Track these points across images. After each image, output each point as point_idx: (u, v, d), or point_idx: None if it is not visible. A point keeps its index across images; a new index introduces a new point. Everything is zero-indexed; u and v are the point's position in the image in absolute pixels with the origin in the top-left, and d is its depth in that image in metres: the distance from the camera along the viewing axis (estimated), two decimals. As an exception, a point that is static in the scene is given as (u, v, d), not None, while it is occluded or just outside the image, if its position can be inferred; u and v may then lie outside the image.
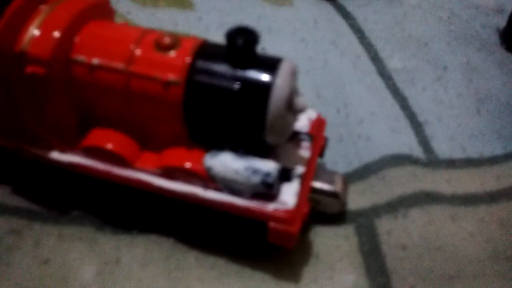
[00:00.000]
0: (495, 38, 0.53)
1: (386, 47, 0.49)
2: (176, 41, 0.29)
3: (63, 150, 0.31)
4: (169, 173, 0.30)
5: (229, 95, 0.27)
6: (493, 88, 0.46)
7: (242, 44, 0.27)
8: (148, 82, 0.28)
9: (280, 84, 0.27)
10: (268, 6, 0.52)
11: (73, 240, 0.32)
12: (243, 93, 0.27)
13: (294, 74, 0.28)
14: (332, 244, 0.33)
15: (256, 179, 0.28)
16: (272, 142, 0.29)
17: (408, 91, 0.45)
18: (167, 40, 0.28)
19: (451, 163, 0.39)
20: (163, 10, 0.50)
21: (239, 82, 0.27)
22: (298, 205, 0.29)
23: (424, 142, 0.40)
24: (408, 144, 0.39)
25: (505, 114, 0.44)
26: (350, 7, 0.54)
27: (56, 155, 0.32)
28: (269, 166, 0.29)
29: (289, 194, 0.29)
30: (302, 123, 0.33)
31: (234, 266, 0.32)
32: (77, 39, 0.29)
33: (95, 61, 0.29)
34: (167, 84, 0.28)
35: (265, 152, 0.30)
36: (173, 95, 0.28)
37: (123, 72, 0.28)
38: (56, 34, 0.28)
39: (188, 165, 0.29)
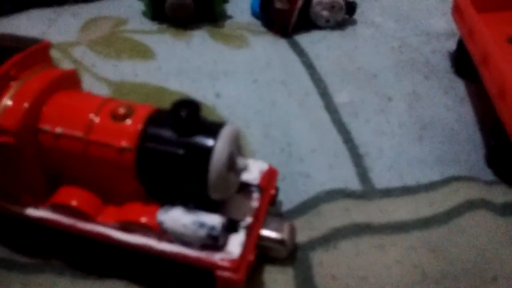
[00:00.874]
0: (445, 63, 0.56)
1: (336, 81, 0.52)
2: (130, 110, 0.33)
3: (33, 205, 0.36)
4: (127, 226, 0.34)
5: (175, 159, 0.31)
6: (437, 114, 0.49)
7: (185, 116, 0.31)
8: (104, 148, 0.33)
9: (220, 148, 0.31)
10: (226, 50, 0.56)
11: (35, 286, 0.36)
12: (187, 157, 0.31)
13: (235, 137, 0.32)
14: (271, 278, 0.36)
15: (203, 232, 0.32)
16: (217, 198, 0.32)
17: (352, 124, 0.47)
18: (121, 111, 0.33)
19: (387, 193, 0.41)
20: (125, 62, 0.54)
21: (183, 148, 0.31)
22: (244, 254, 0.33)
23: (362, 173, 0.43)
24: (344, 178, 0.42)
25: (447, 139, 0.47)
26: (304, 44, 0.57)
27: (26, 210, 0.36)
28: (214, 220, 0.32)
29: (235, 244, 0.33)
30: (253, 175, 0.37)
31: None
32: (44, 109, 0.34)
33: (59, 130, 0.33)
34: (121, 150, 0.32)
35: (214, 205, 0.33)
36: (127, 160, 0.32)
37: (82, 140, 0.33)
38: (25, 105, 0.33)
39: (143, 219, 0.33)
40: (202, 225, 0.32)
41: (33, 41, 0.36)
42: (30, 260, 0.37)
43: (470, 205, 0.40)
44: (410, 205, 0.40)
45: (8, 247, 0.38)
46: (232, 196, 0.34)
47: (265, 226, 0.35)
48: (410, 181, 0.42)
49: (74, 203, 0.34)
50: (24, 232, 0.38)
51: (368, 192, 0.41)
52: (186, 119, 0.31)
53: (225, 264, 0.32)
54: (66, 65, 0.52)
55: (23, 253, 0.38)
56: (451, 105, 0.50)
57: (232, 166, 0.32)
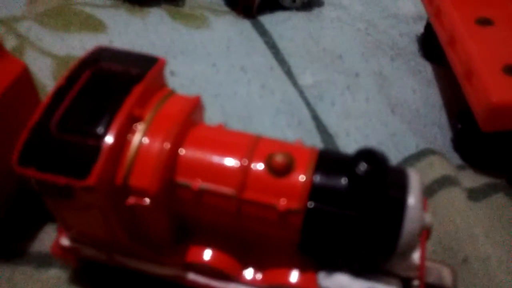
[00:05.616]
0: (412, 46, 0.54)
1: (299, 62, 0.50)
2: (288, 157, 0.26)
3: (159, 262, 0.29)
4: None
5: (353, 221, 0.25)
6: (404, 96, 0.47)
7: (364, 175, 0.24)
8: (262, 209, 0.26)
9: (413, 203, 0.25)
10: (184, 30, 0.53)
11: None
12: (371, 217, 0.25)
13: (421, 187, 0.26)
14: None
15: None
16: (396, 261, 0.27)
17: (318, 107, 0.45)
18: (279, 160, 0.25)
19: None
20: (74, 35, 0.50)
21: (364, 207, 0.25)
22: None
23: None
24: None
25: (414, 122, 0.45)
26: (268, 24, 0.55)
27: (155, 267, 0.30)
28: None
29: None
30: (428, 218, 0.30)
31: None
32: (181, 156, 0.26)
33: (203, 185, 0.26)
34: (285, 213, 0.26)
35: (375, 262, 0.27)
36: (291, 222, 0.26)
37: (234, 198, 0.26)
38: (162, 157, 0.25)
39: (299, 282, 0.27)
40: None
41: (148, 61, 0.28)
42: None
43: (445, 181, 0.39)
44: None
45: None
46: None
47: (427, 277, 0.30)
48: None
49: (214, 261, 0.28)
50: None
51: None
52: (366, 178, 0.24)
53: None
54: (10, 41, 0.48)
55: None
56: (417, 88, 0.48)
57: (422, 225, 0.26)
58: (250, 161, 0.26)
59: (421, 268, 0.28)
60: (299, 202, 0.25)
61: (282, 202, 0.25)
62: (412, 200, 0.25)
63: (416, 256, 0.28)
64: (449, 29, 0.45)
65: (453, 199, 0.37)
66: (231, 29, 0.54)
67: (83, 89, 0.27)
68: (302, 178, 0.26)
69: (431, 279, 0.30)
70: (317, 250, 0.27)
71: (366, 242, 0.26)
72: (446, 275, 0.31)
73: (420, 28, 0.55)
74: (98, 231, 0.28)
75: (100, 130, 0.25)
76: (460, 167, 0.42)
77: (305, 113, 0.44)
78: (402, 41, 0.54)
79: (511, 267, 0.34)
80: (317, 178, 0.26)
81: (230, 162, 0.26)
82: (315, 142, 0.42)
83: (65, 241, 0.30)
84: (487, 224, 0.37)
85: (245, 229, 0.27)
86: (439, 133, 0.44)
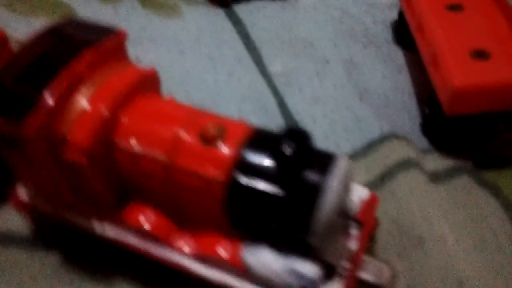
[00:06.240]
0: (386, 33, 0.54)
1: (271, 50, 0.49)
2: (221, 130, 0.27)
3: (100, 220, 0.31)
4: (204, 257, 0.29)
5: (273, 200, 0.26)
6: (373, 82, 0.47)
7: (291, 154, 0.25)
8: (190, 176, 0.27)
9: (331, 188, 0.25)
10: (155, 18, 0.52)
11: None
12: (289, 197, 0.26)
13: (346, 174, 0.26)
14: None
15: (295, 283, 0.27)
16: (315, 245, 0.27)
17: (286, 93, 0.45)
18: (212, 131, 0.27)
19: None
20: (42, 20, 0.50)
21: (285, 187, 0.25)
22: None
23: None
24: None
25: (383, 107, 0.45)
26: (241, 13, 0.55)
27: (94, 226, 0.31)
28: (310, 269, 0.27)
29: None
30: (352, 205, 0.30)
31: None
32: (122, 119, 0.28)
33: (138, 149, 0.28)
34: (209, 182, 0.27)
35: (306, 245, 0.27)
36: (215, 192, 0.27)
37: (166, 164, 0.27)
38: (100, 117, 0.27)
39: (225, 255, 0.28)
40: (295, 274, 0.26)
41: (106, 31, 0.30)
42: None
43: (405, 164, 0.38)
44: None
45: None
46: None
47: (363, 270, 0.29)
48: (347, 149, 0.41)
49: (147, 226, 0.29)
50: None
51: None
52: (292, 158, 0.25)
53: None
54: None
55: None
56: (388, 74, 0.48)
57: (342, 210, 0.26)
58: (186, 130, 0.27)
59: (356, 259, 0.29)
60: (225, 173, 0.26)
61: (208, 171, 0.26)
62: (331, 183, 0.25)
63: (349, 245, 0.29)
64: (418, 15, 0.45)
65: (412, 182, 0.37)
66: (204, 18, 0.53)
67: (41, 49, 0.29)
68: (230, 150, 0.26)
69: (367, 275, 0.30)
70: (242, 224, 0.28)
71: (285, 220, 0.26)
72: (384, 274, 0.30)
73: (394, 15, 0.55)
74: (47, 186, 0.30)
75: (42, 83, 0.27)
76: (426, 151, 0.41)
77: (271, 100, 0.44)
78: (375, 28, 0.54)
79: (471, 247, 0.34)
80: (245, 152, 0.26)
81: (166, 129, 0.27)
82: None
83: (21, 194, 0.32)
84: (446, 205, 0.37)
85: (176, 196, 0.28)
86: (408, 119, 0.44)
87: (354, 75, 0.47)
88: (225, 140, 0.27)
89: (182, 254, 0.29)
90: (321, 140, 0.41)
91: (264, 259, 0.27)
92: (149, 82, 0.30)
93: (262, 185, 0.26)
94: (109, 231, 0.31)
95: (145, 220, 0.29)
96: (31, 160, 0.28)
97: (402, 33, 0.51)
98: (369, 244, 0.32)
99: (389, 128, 0.42)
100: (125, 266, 0.33)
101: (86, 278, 0.33)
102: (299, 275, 0.27)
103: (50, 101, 0.26)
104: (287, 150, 0.25)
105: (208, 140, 0.27)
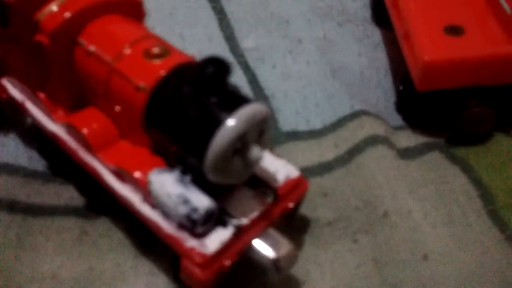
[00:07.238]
0: (364, 12, 0.53)
1: (245, 26, 0.49)
2: (165, 52, 0.30)
3: (50, 117, 0.34)
4: (122, 173, 0.30)
5: (183, 117, 0.27)
6: (348, 60, 0.46)
7: (210, 74, 0.26)
8: (123, 81, 0.30)
9: (231, 124, 0.26)
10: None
11: None
12: (195, 121, 0.27)
13: (258, 119, 0.27)
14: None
15: (183, 210, 0.27)
16: (211, 180, 0.27)
17: (258, 69, 0.45)
18: (155, 51, 0.30)
19: (293, 136, 0.40)
20: None
21: (195, 109, 0.27)
22: (220, 254, 0.27)
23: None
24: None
25: (357, 84, 0.44)
26: (218, -12, 0.54)
27: (44, 119, 0.34)
28: (201, 202, 0.27)
29: (215, 239, 0.28)
30: (276, 177, 0.31)
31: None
32: (88, 26, 0.32)
33: (92, 48, 0.31)
34: (137, 88, 0.29)
35: (216, 189, 0.28)
36: (138, 100, 0.29)
37: (108, 65, 0.31)
38: (67, 14, 0.32)
39: (137, 173, 0.29)
40: (186, 201, 0.27)
41: None
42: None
43: (373, 140, 0.38)
44: (315, 149, 0.39)
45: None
46: (239, 189, 0.30)
47: (261, 237, 0.29)
48: (317, 124, 0.40)
49: (84, 130, 0.32)
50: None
51: (274, 135, 0.39)
52: (210, 78, 0.26)
53: (194, 255, 0.27)
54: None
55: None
56: (363, 52, 0.47)
57: (242, 151, 0.27)
58: (138, 44, 0.31)
59: (256, 223, 0.29)
60: (151, 83, 0.29)
61: (137, 77, 0.29)
62: (232, 121, 0.26)
63: (257, 208, 0.29)
64: (394, -9, 0.44)
65: (379, 157, 0.37)
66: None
67: None
68: (164, 67, 0.29)
69: (262, 243, 0.29)
70: (164, 153, 0.30)
71: (186, 139, 0.28)
72: (283, 247, 0.28)
73: (376, -6, 0.54)
74: (20, 71, 0.35)
75: None
76: (398, 128, 0.41)
77: (241, 77, 0.43)
78: (353, 6, 0.53)
79: (438, 221, 0.34)
80: (177, 71, 0.29)
81: (120, 40, 0.31)
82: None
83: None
84: (415, 181, 0.36)
85: (112, 102, 0.31)
86: (383, 96, 0.44)
87: (328, 53, 0.46)
88: (164, 60, 0.30)
89: (103, 164, 0.31)
90: (292, 115, 0.41)
91: (165, 182, 0.28)
92: (128, 9, 0.34)
93: (177, 100, 0.28)
94: (52, 125, 0.34)
95: (86, 125, 0.32)
96: (12, 35, 0.33)
97: (380, 11, 0.51)
98: (283, 223, 0.31)
99: (360, 105, 0.41)
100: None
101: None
102: (189, 203, 0.27)
103: None
104: (208, 70, 0.26)
105: (150, 55, 0.30)
